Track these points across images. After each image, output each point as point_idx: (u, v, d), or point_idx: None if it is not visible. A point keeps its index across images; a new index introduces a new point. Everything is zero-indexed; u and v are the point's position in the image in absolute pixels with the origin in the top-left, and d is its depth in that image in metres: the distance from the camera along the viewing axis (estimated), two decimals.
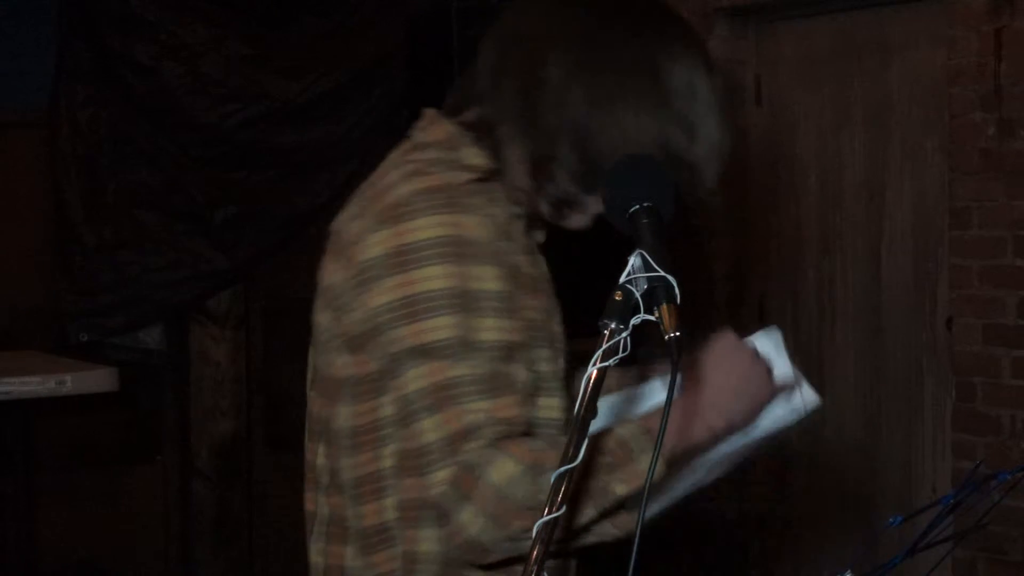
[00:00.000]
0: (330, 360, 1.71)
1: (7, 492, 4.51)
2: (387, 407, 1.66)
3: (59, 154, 4.93)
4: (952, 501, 1.53)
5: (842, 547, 4.59)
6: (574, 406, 1.82)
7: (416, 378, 1.61)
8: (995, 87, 4.09)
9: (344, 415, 1.70)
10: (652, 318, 1.34)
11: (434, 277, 1.61)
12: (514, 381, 1.62)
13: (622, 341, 1.31)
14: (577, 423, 1.29)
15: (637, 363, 1.83)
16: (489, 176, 1.71)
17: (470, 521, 1.57)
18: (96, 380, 4.34)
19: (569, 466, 1.27)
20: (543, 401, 1.72)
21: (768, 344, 1.77)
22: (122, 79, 4.93)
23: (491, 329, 1.61)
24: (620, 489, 1.59)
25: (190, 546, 5.27)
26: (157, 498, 5.26)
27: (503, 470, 1.56)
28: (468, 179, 1.69)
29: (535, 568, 1.24)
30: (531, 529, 1.48)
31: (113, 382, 4.37)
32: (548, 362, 1.72)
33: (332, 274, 1.71)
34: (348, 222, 1.72)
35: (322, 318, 1.73)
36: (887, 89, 4.59)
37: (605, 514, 1.61)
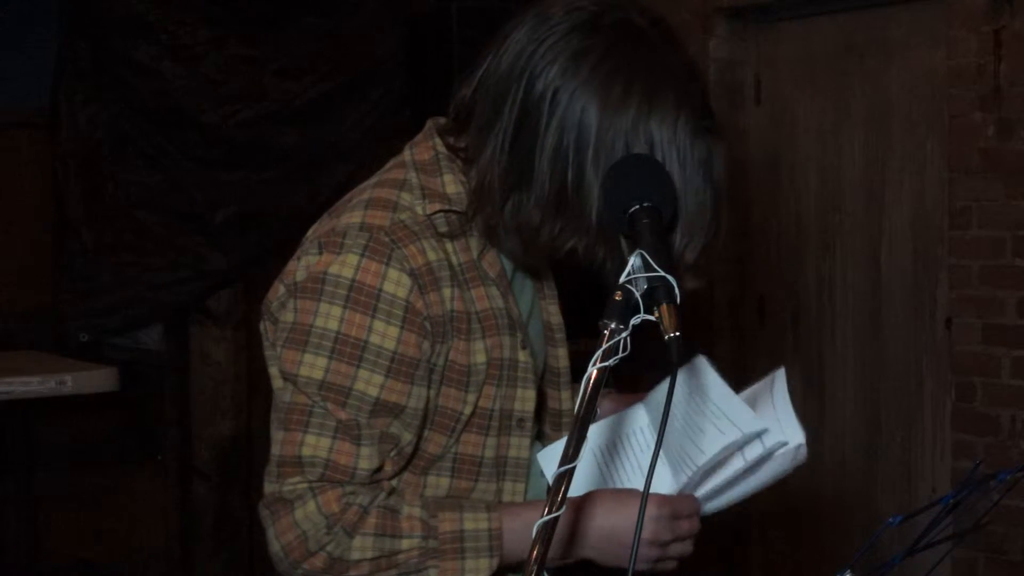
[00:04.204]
0: (269, 371, 1.75)
1: (7, 492, 4.50)
2: None
3: (59, 154, 4.92)
4: (952, 501, 1.53)
5: (842, 547, 4.60)
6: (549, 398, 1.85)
7: (283, 391, 1.68)
8: (995, 87, 4.09)
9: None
10: (652, 318, 1.34)
11: (332, 317, 1.63)
12: (365, 434, 1.64)
13: (622, 341, 1.31)
14: (577, 423, 1.29)
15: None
16: (461, 208, 1.70)
17: (271, 541, 1.65)
18: (96, 380, 4.34)
19: (568, 466, 1.26)
20: (520, 393, 1.74)
21: (772, 391, 1.74)
22: (122, 79, 4.93)
23: (366, 382, 1.63)
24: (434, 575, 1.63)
25: (190, 546, 5.27)
26: (157, 498, 5.25)
27: (306, 513, 1.62)
28: (436, 210, 1.68)
29: (535, 568, 1.24)
30: (324, 571, 1.60)
31: (113, 382, 4.37)
32: (492, 398, 1.72)
33: (275, 286, 1.74)
34: (311, 233, 1.74)
35: (262, 327, 1.77)
36: (887, 89, 4.59)
37: None
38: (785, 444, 1.68)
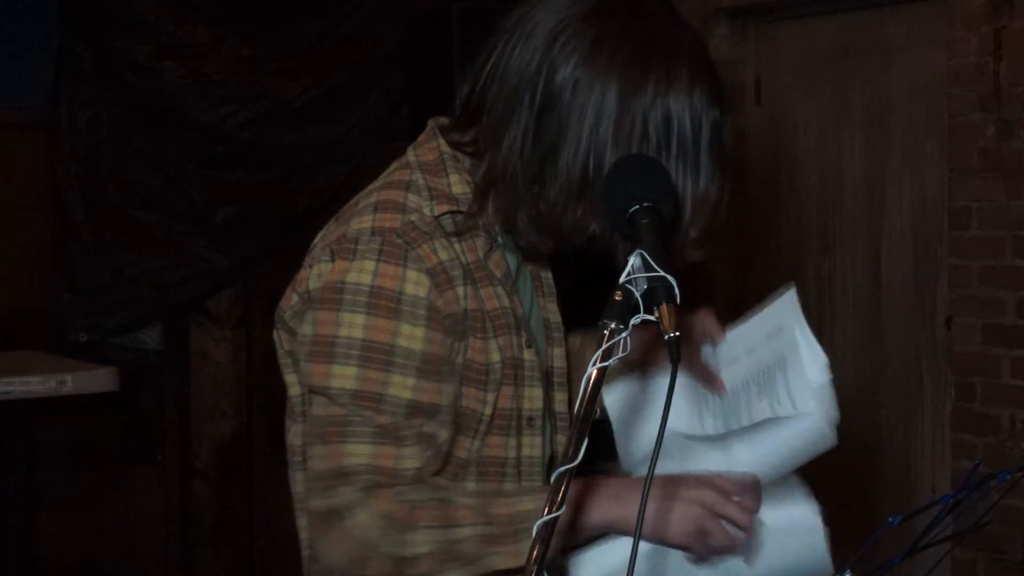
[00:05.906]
0: (284, 379, 1.75)
1: (7, 492, 4.50)
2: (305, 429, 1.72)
3: (59, 154, 4.92)
4: (952, 501, 1.53)
5: (842, 547, 4.59)
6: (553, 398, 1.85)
7: (317, 405, 1.66)
8: (994, 87, 4.09)
9: (292, 432, 1.77)
10: (652, 318, 1.34)
11: (356, 325, 1.62)
12: (405, 436, 1.63)
13: (622, 341, 1.32)
14: (577, 423, 1.29)
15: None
16: (468, 208, 1.70)
17: (326, 555, 1.63)
18: (96, 380, 4.34)
19: (569, 466, 1.27)
20: (528, 392, 1.74)
21: (797, 339, 1.77)
22: (122, 79, 4.93)
23: (399, 386, 1.62)
24: (497, 562, 1.60)
25: (190, 546, 5.27)
26: (157, 498, 5.25)
27: (360, 520, 1.60)
28: (444, 211, 1.69)
29: (535, 568, 1.24)
30: (388, 574, 1.59)
31: (113, 382, 4.36)
32: (509, 398, 1.71)
33: (288, 295, 1.73)
34: (320, 239, 1.74)
35: (276, 336, 1.76)
36: (887, 89, 4.59)
37: None
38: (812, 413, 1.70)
